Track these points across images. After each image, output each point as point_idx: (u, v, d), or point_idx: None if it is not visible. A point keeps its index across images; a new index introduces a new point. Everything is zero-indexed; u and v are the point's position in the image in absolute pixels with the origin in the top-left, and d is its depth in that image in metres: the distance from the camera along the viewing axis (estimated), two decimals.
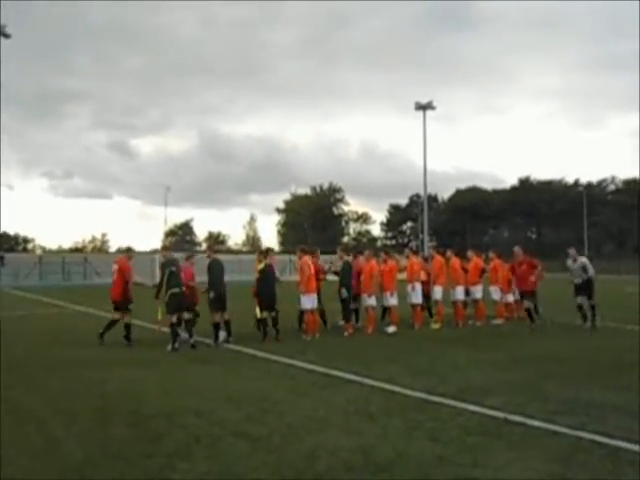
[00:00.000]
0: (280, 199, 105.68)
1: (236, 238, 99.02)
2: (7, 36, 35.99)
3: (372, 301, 12.29)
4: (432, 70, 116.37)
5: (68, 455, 4.60)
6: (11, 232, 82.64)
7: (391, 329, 11.97)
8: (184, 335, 10.15)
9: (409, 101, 65.12)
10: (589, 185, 76.03)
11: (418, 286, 12.82)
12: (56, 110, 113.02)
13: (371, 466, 4.33)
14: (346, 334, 11.52)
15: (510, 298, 14.19)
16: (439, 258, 13.71)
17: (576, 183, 80.00)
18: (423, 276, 13.05)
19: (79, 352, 9.52)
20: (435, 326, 12.77)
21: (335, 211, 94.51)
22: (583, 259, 13.11)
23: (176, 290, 9.93)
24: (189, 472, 4.22)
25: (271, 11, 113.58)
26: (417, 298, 12.84)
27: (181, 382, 7.28)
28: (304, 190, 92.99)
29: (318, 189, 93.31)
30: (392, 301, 12.48)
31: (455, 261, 13.80)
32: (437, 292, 13.26)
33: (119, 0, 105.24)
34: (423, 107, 49.84)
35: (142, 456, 4.53)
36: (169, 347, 9.67)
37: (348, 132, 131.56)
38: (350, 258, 12.47)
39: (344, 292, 11.78)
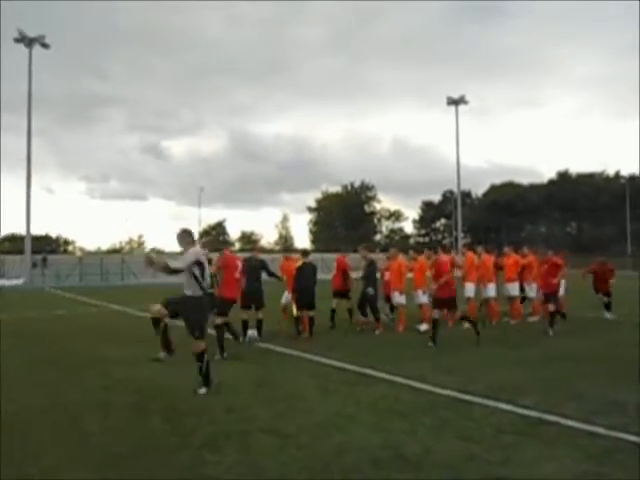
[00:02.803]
0: (311, 198, 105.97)
1: (269, 237, 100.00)
2: (46, 46, 37.33)
3: (401, 299, 12.22)
4: (464, 63, 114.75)
5: (103, 447, 4.74)
6: (53, 234, 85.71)
7: (423, 327, 11.86)
8: (251, 332, 10.56)
9: (441, 96, 64.27)
10: (632, 177, 73.39)
11: None
12: (91, 114, 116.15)
13: (399, 461, 4.33)
14: (377, 332, 11.48)
15: None
16: (470, 255, 13.56)
17: (617, 175, 77.40)
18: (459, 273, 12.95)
19: (116, 349, 9.76)
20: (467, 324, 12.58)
21: (367, 209, 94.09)
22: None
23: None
24: (219, 464, 4.31)
25: (298, 9, 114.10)
26: None
27: (213, 379, 7.36)
28: (335, 188, 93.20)
29: (349, 187, 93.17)
30: (423, 299, 12.38)
31: (486, 258, 13.57)
32: (469, 289, 13.09)
33: (147, 0, 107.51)
34: (455, 102, 49.09)
35: (174, 449, 4.65)
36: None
37: (379, 129, 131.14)
38: (382, 256, 12.49)
39: (370, 290, 11.71)
